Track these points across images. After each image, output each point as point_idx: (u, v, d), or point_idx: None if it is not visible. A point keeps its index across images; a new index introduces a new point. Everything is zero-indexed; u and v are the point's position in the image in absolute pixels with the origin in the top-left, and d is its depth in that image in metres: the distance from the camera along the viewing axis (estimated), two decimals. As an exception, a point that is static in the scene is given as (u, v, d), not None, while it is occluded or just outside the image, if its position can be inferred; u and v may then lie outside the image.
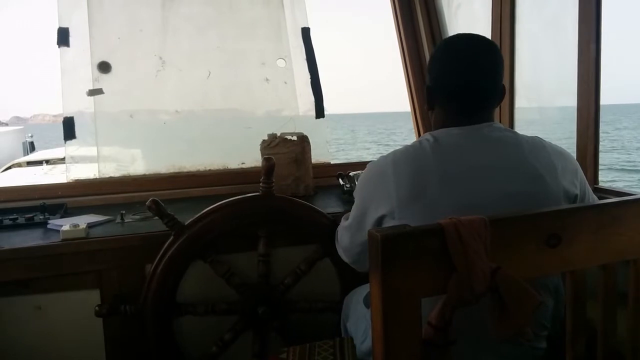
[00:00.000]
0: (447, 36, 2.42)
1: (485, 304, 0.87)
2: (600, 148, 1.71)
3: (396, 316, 0.81)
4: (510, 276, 0.82)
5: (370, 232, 0.82)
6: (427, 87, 1.28)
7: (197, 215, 1.64)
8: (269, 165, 1.64)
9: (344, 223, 1.39)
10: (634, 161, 21.58)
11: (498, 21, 2.11)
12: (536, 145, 1.20)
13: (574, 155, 1.71)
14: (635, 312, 0.97)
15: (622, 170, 19.45)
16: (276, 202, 1.71)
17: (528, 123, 2.20)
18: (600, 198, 1.50)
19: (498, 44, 2.14)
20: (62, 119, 2.18)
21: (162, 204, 1.56)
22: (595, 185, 1.67)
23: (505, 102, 2.17)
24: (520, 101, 2.18)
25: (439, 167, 1.13)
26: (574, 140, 1.75)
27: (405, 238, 0.81)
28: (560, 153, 1.22)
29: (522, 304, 0.82)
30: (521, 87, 2.15)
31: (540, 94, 2.21)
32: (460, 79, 1.21)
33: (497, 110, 2.19)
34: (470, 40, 1.26)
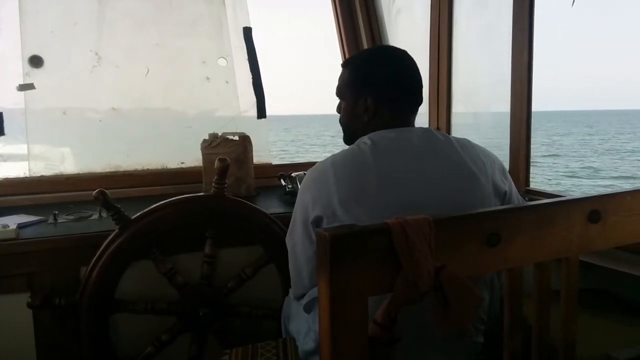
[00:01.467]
0: (386, 42, 2.48)
1: (428, 302, 0.90)
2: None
3: (344, 315, 0.82)
4: (454, 275, 0.85)
5: (317, 232, 0.82)
6: (370, 97, 1.31)
7: (145, 210, 1.60)
8: (223, 166, 1.62)
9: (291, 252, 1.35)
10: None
11: (436, 27, 2.18)
12: (466, 145, 1.27)
13: (507, 157, 1.79)
14: (567, 308, 1.03)
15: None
16: (227, 203, 1.69)
17: (464, 127, 2.28)
18: (531, 200, 1.58)
19: (436, 49, 2.22)
20: (-11, 115, 2.06)
21: (109, 196, 1.51)
22: (527, 187, 1.76)
23: (442, 106, 2.25)
24: (457, 106, 2.26)
25: (378, 169, 1.16)
26: (507, 143, 1.84)
27: (354, 237, 0.82)
28: (488, 153, 1.31)
29: (464, 302, 0.85)
30: (458, 92, 2.23)
31: (476, 99, 2.30)
32: (406, 84, 1.31)
33: (435, 116, 2.27)
34: (401, 51, 1.37)
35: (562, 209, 0.97)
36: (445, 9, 2.12)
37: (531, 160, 1.76)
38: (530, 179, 1.77)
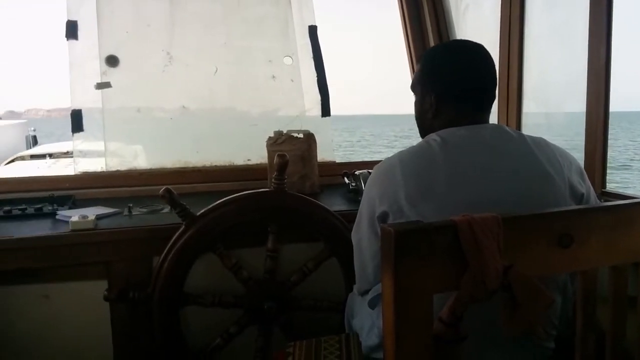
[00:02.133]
0: (454, 38, 2.43)
1: (494, 302, 0.88)
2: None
3: (408, 312, 0.82)
4: (523, 274, 0.83)
5: (383, 227, 0.82)
6: (429, 94, 1.30)
7: (209, 207, 1.65)
8: (282, 162, 1.65)
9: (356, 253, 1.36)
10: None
11: (507, 23, 2.11)
12: (541, 144, 1.23)
13: (582, 158, 1.72)
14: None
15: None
16: (288, 198, 1.72)
17: (535, 127, 2.20)
18: (607, 202, 1.51)
19: (506, 46, 2.15)
20: (70, 112, 2.19)
21: (175, 193, 1.57)
22: (603, 189, 1.68)
23: (512, 106, 2.18)
24: (528, 105, 2.18)
25: (447, 166, 1.15)
26: (582, 145, 1.76)
27: (419, 233, 0.81)
28: (565, 153, 1.26)
29: (534, 302, 0.83)
30: (529, 91, 2.16)
31: (548, 98, 2.21)
32: (474, 80, 1.27)
33: (505, 115, 2.21)
34: (473, 45, 1.32)
35: (641, 210, 0.92)
36: (516, 3, 2.05)
37: (623, 164, 1.67)
38: (628, 186, 1.68)
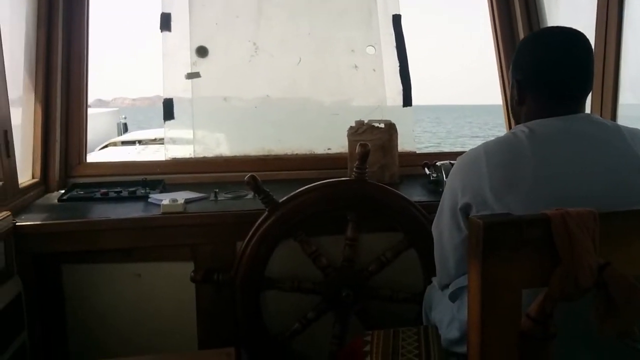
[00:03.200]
0: (545, 26, 2.33)
1: (585, 300, 0.84)
2: None
3: (495, 306, 0.80)
4: (620, 273, 0.79)
5: (471, 219, 0.81)
6: (516, 81, 1.27)
7: (291, 194, 1.68)
8: (364, 151, 1.65)
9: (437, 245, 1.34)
10: None
11: (604, 8, 1.99)
12: (638, 135, 1.15)
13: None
14: None
15: None
16: (368, 187, 1.72)
17: (632, 120, 2.07)
18: None
19: (603, 33, 2.03)
20: (162, 101, 2.30)
21: (259, 180, 1.61)
22: None
23: (607, 97, 2.06)
24: (625, 97, 2.05)
25: (535, 157, 1.10)
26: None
27: (509, 226, 0.79)
28: None
29: (631, 302, 0.79)
30: (627, 81, 2.03)
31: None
32: (556, 67, 1.20)
33: (598, 106, 2.09)
34: (563, 32, 1.25)
35: None
36: (615, -13, 1.94)
37: None
38: None
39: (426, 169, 2.13)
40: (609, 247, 0.81)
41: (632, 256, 0.83)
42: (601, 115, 2.07)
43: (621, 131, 1.15)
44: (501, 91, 2.57)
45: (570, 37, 1.23)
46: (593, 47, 2.05)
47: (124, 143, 8.50)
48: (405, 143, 2.39)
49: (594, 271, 0.79)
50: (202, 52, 2.32)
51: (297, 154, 2.41)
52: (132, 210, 1.77)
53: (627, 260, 0.83)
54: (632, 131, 1.16)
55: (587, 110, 2.08)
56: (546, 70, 1.21)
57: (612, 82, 2.02)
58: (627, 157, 1.10)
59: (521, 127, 1.19)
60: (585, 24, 2.04)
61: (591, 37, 2.04)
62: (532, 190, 1.07)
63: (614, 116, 2.05)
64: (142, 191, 1.99)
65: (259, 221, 1.67)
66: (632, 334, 0.84)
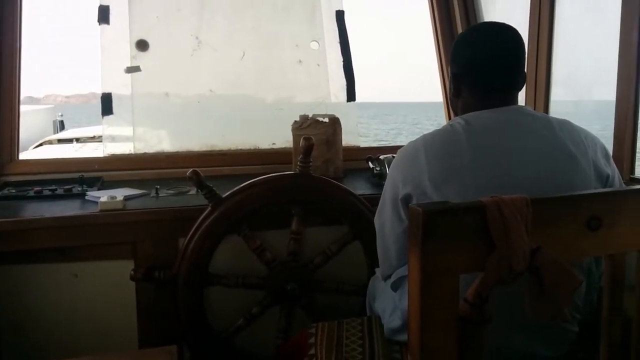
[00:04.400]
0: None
1: (519, 284, 0.88)
2: None
3: (434, 292, 0.82)
4: (551, 256, 0.82)
5: (411, 207, 0.82)
6: (453, 75, 1.32)
7: (235, 189, 1.67)
8: (308, 145, 1.66)
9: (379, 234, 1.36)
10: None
11: (537, 7, 2.08)
12: (566, 126, 1.22)
13: (611, 145, 1.69)
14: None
15: None
16: (313, 181, 1.73)
17: (563, 116, 2.16)
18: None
19: (535, 31, 2.12)
20: (100, 95, 2.23)
21: (202, 175, 1.59)
22: (632, 176, 1.66)
23: (540, 93, 2.14)
24: (556, 92, 2.14)
25: (472, 148, 1.15)
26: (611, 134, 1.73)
27: (447, 214, 0.81)
28: (590, 135, 1.24)
29: (562, 285, 0.82)
30: (558, 78, 2.12)
31: (578, 85, 2.17)
32: (490, 61, 1.25)
33: (532, 102, 2.18)
34: (495, 27, 1.31)
35: (674, 194, 0.91)
36: (547, -13, 2.02)
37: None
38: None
39: (370, 163, 2.16)
40: (540, 232, 0.84)
41: (563, 240, 0.87)
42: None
43: (550, 122, 1.21)
44: (441, 87, 2.64)
45: (502, 32, 1.28)
46: (526, 44, 2.14)
47: (60, 141, 8.15)
48: (349, 137, 2.41)
49: (526, 256, 0.82)
50: (142, 45, 2.26)
51: (241, 149, 2.39)
52: (68, 209, 1.71)
53: (558, 244, 0.86)
54: (561, 122, 1.22)
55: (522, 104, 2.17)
56: (479, 63, 1.26)
57: (545, 79, 2.11)
58: (556, 146, 1.16)
59: (458, 119, 1.23)
60: (519, 22, 2.12)
61: (525, 35, 2.13)
62: (468, 179, 1.11)
63: (546, 111, 2.14)
64: (79, 189, 1.92)
65: (202, 217, 1.65)
66: (563, 316, 0.88)
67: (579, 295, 1.17)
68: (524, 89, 1.98)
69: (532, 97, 2.17)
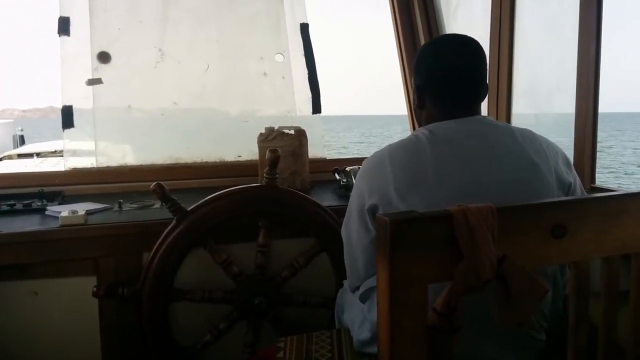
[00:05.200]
0: (444, 35, 2.44)
1: (487, 293, 0.88)
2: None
3: (403, 301, 0.82)
4: (517, 264, 0.83)
5: (378, 217, 0.82)
6: (416, 86, 1.33)
7: (200, 202, 1.64)
8: (274, 157, 1.65)
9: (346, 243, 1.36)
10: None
11: (497, 21, 2.13)
12: (528, 135, 1.24)
13: (572, 154, 1.73)
14: (636, 307, 0.99)
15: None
16: (279, 193, 1.71)
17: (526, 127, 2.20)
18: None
19: (496, 45, 2.16)
20: (61, 108, 2.18)
21: (166, 189, 1.56)
22: (592, 185, 1.70)
23: (502, 106, 2.19)
24: (517, 105, 2.19)
25: (436, 158, 1.15)
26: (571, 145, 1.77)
27: (414, 223, 0.81)
28: (551, 144, 1.27)
29: (528, 293, 0.83)
30: (519, 91, 2.17)
31: (539, 98, 2.22)
32: (451, 72, 1.27)
33: (494, 114, 2.22)
34: (456, 37, 1.34)
35: (634, 201, 0.93)
36: (507, 1, 2.06)
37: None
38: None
39: (336, 174, 2.16)
40: (506, 240, 0.85)
41: (528, 248, 0.88)
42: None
43: (512, 131, 1.23)
44: (405, 100, 2.67)
45: (463, 43, 1.30)
46: (488, 57, 2.19)
47: (20, 156, 7.93)
48: (316, 149, 2.42)
49: (493, 264, 0.83)
50: (104, 57, 2.23)
51: (206, 162, 2.37)
52: (27, 224, 1.65)
53: (523, 253, 0.87)
54: (522, 131, 1.24)
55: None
56: (441, 74, 1.28)
57: (506, 92, 2.16)
58: (518, 154, 1.18)
59: (422, 130, 1.24)
60: (480, 34, 2.17)
61: (486, 47, 2.17)
62: (433, 189, 1.12)
63: (508, 123, 2.18)
64: (39, 203, 1.86)
65: (166, 230, 1.61)
66: (530, 324, 0.89)
67: (545, 304, 1.18)
68: (486, 101, 2.01)
69: (494, 109, 2.21)
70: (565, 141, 1.76)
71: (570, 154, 1.73)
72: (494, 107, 2.21)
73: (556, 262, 1.08)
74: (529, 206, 0.90)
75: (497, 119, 2.20)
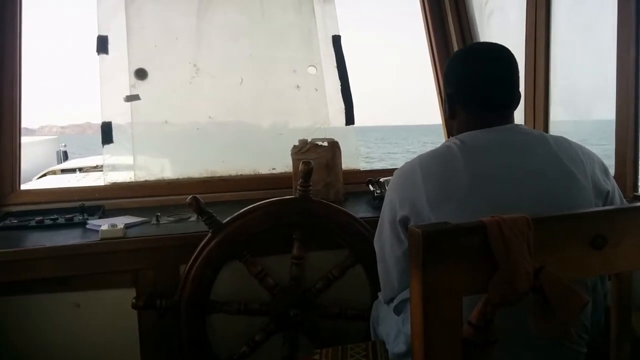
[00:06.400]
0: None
1: (524, 304, 0.86)
2: None
3: (437, 314, 0.80)
4: (555, 276, 0.81)
5: (410, 229, 0.81)
6: (447, 95, 1.32)
7: (235, 214, 1.66)
8: (307, 169, 1.65)
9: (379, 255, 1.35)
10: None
11: (533, 27, 2.09)
12: (563, 143, 1.21)
13: (613, 162, 1.68)
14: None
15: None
16: (313, 205, 1.72)
17: (566, 135, 2.14)
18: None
19: (532, 51, 2.13)
20: (100, 124, 2.24)
21: (202, 202, 1.58)
22: (635, 194, 1.65)
23: (539, 114, 2.14)
24: (555, 112, 2.14)
25: (468, 168, 1.14)
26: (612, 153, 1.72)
27: (447, 234, 0.80)
28: (587, 151, 1.23)
29: (567, 304, 0.81)
30: (557, 98, 2.12)
31: (577, 104, 2.17)
32: (481, 79, 1.25)
33: (531, 122, 2.17)
34: (487, 47, 1.32)
35: (678, 211, 0.90)
36: (542, 7, 2.03)
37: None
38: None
39: (370, 186, 2.15)
40: (543, 251, 0.83)
41: (565, 259, 0.85)
42: (534, 130, 2.14)
43: (546, 139, 1.20)
44: (440, 108, 2.64)
45: (494, 51, 1.28)
46: (523, 65, 2.15)
47: (63, 171, 8.18)
48: (349, 161, 2.41)
49: (530, 275, 0.81)
50: (141, 74, 2.28)
51: (241, 175, 2.39)
52: (69, 238, 1.70)
53: (561, 264, 0.85)
54: (557, 139, 1.21)
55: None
56: (472, 83, 1.26)
57: (543, 99, 2.11)
58: (553, 163, 1.15)
59: (453, 140, 1.22)
60: (515, 42, 2.14)
61: (521, 55, 2.14)
62: (466, 199, 1.10)
63: (546, 131, 2.13)
64: (80, 217, 1.92)
65: (202, 243, 1.64)
66: (569, 336, 0.86)
67: (586, 316, 1.15)
68: (522, 109, 1.97)
69: (531, 117, 2.17)
70: (606, 149, 1.72)
71: (611, 162, 1.68)
72: (531, 115, 2.17)
73: (596, 274, 1.05)
74: (565, 216, 0.87)
75: (534, 127, 2.15)
